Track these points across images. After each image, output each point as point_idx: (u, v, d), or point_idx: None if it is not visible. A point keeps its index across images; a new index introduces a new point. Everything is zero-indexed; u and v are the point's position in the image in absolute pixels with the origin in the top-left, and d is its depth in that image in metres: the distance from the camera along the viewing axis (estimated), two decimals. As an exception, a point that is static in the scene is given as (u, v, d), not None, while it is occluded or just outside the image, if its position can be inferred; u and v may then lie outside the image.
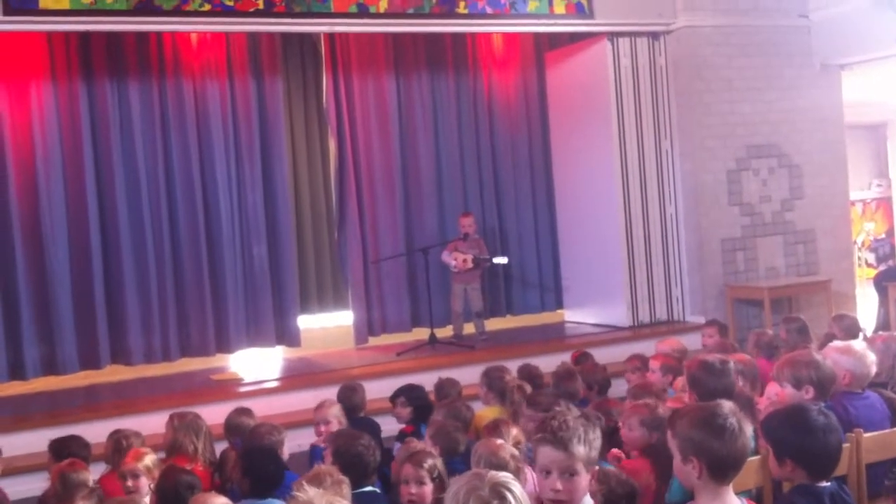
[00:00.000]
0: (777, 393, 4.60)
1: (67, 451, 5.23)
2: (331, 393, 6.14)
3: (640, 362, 6.20)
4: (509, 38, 10.13)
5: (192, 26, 8.02)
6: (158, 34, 8.57)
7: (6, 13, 7.09)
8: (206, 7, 7.68)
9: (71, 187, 8.53)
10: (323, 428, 5.35)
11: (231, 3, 7.77)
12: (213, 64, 9.02)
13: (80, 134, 8.53)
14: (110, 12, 7.40)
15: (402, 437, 5.32)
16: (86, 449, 5.34)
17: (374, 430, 5.74)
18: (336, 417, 5.43)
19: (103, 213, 8.64)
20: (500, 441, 3.98)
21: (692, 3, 9.29)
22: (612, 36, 9.25)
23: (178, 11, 7.60)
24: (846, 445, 3.99)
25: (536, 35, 9.83)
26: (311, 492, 3.03)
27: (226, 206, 9.02)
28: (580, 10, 9.03)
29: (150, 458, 4.66)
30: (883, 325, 9.17)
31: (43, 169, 8.37)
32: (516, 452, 3.87)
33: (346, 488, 3.86)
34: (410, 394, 5.90)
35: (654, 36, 9.40)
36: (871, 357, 4.66)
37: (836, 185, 9.94)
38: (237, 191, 9.12)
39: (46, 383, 8.36)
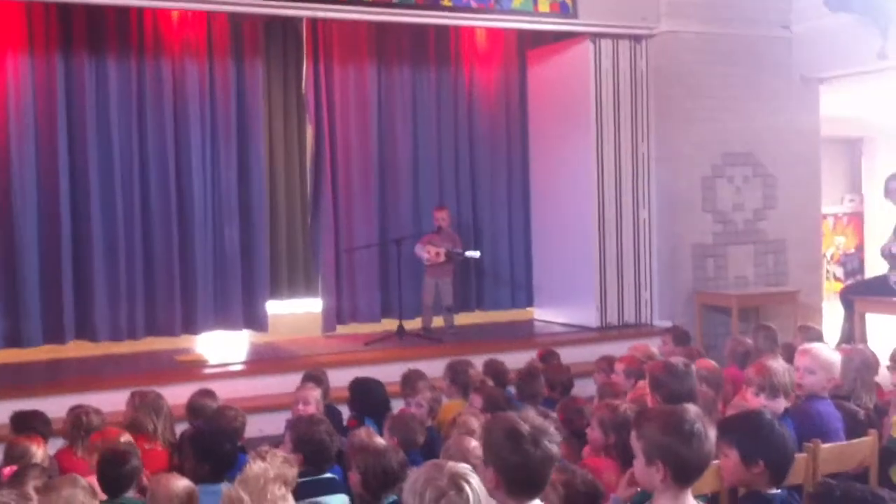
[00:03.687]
0: (744, 400, 4.66)
1: (28, 425, 5.19)
2: (295, 380, 6.12)
3: (608, 364, 6.23)
4: (493, 33, 10.12)
5: (174, 3, 7.95)
6: (139, 10, 8.48)
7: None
8: (190, -16, 7.63)
9: (43, 160, 8.43)
10: (301, 407, 5.33)
11: (214, -18, 7.71)
12: (193, 43, 8.95)
13: (55, 107, 8.43)
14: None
15: (344, 431, 5.29)
16: (47, 425, 5.30)
17: (337, 418, 5.74)
18: (316, 401, 5.42)
19: (75, 188, 8.55)
20: (472, 441, 3.96)
21: (676, 8, 9.33)
22: (595, 37, 9.26)
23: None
24: (803, 455, 4.04)
25: (520, 32, 9.83)
26: (261, 465, 3.04)
27: (199, 187, 8.96)
28: (564, 10, 9.04)
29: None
30: (847, 338, 9.22)
31: (16, 141, 8.27)
32: None
33: (296, 468, 3.87)
34: (355, 388, 5.90)
35: (637, 39, 9.42)
36: (836, 364, 4.74)
37: (810, 197, 10.02)
38: (211, 172, 9.06)
39: (9, 355, 8.25)
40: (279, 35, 9.62)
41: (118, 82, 8.67)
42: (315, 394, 5.50)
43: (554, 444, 2.92)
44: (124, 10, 8.42)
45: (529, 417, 2.99)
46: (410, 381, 5.87)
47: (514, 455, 2.85)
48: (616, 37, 9.33)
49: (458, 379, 5.99)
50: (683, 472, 2.98)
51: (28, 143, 8.34)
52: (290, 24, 9.45)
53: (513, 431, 2.89)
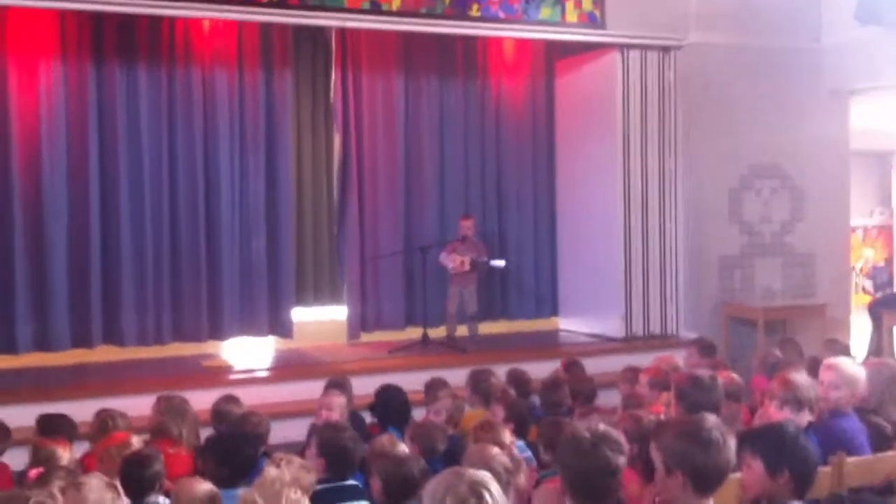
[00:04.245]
0: (767, 412, 4.62)
1: (54, 428, 5.24)
2: (319, 386, 6.14)
3: (633, 374, 6.21)
4: (520, 43, 10.13)
5: (205, 13, 8.01)
6: (171, 19, 8.56)
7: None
8: (221, -6, 7.70)
9: (74, 166, 8.52)
10: (325, 413, 5.36)
11: (245, -8, 7.78)
12: (223, 52, 9.02)
13: (86, 115, 8.53)
14: (124, -8, 7.41)
15: (368, 437, 5.31)
16: (72, 428, 5.35)
17: (361, 425, 5.76)
18: (340, 407, 5.45)
19: (105, 194, 8.64)
20: (494, 449, 3.96)
21: (705, 20, 9.30)
22: (623, 48, 9.25)
23: (191, -4, 7.61)
24: (827, 469, 4.00)
25: (547, 42, 9.83)
26: (276, 470, 3.06)
27: (227, 194, 9.03)
28: (592, 20, 9.04)
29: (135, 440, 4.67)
30: (875, 352, 9.16)
31: (47, 147, 8.37)
32: (508, 463, 3.85)
33: (313, 474, 3.90)
34: (378, 395, 5.90)
35: (665, 50, 9.40)
36: (861, 379, 4.69)
37: (838, 209, 9.94)
38: (240, 179, 9.12)
39: (36, 359, 8.34)
40: (308, 45, 9.68)
41: (149, 90, 8.76)
42: (339, 400, 5.53)
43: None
44: (156, 20, 8.50)
45: (591, 426, 3.02)
46: (432, 389, 5.88)
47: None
48: (644, 48, 9.32)
49: (480, 388, 5.99)
50: (703, 481, 2.97)
51: (59, 149, 8.44)
52: (320, 33, 9.51)
53: (576, 440, 2.96)
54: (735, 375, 5.63)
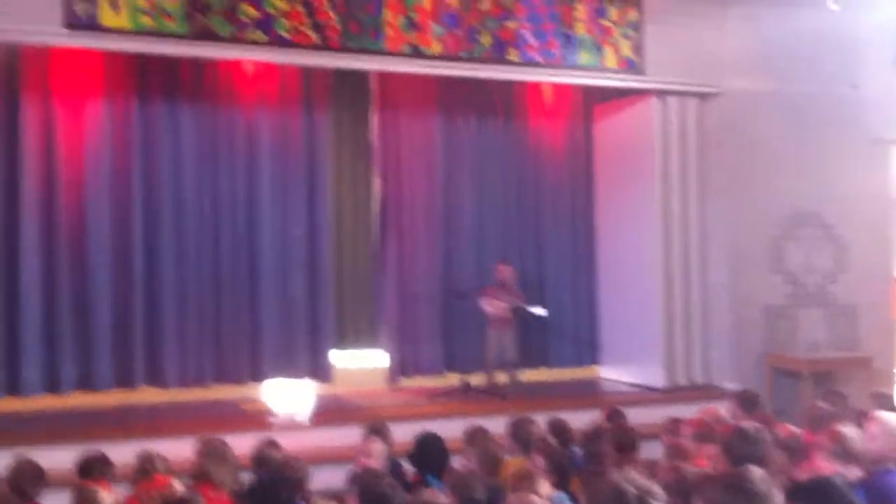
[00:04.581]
0: (815, 465, 4.54)
1: (93, 469, 5.25)
2: (358, 432, 6.11)
3: (676, 426, 6.11)
4: (558, 88, 10.16)
5: (248, 55, 8.13)
6: (214, 62, 8.69)
7: (67, 27, 7.24)
8: (263, 38, 7.82)
9: (118, 207, 8.64)
10: (364, 459, 5.33)
11: (287, 36, 7.90)
12: (265, 94, 9.15)
13: (130, 154, 8.66)
14: (170, 36, 7.54)
15: (408, 486, 5.27)
16: (110, 468, 5.36)
17: (400, 472, 5.71)
18: (379, 454, 5.42)
19: (148, 234, 8.74)
20: (533, 498, 3.90)
21: (744, 65, 9.28)
22: (661, 94, 9.26)
23: (234, 39, 7.73)
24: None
25: (586, 87, 9.85)
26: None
27: (268, 236, 9.10)
28: (631, 66, 9.06)
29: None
30: (921, 405, 8.98)
31: (92, 187, 8.51)
32: None
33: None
34: (417, 443, 5.85)
35: (703, 97, 9.39)
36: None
37: (881, 260, 9.80)
38: (281, 221, 9.19)
39: (80, 400, 8.41)
40: (348, 87, 9.75)
41: (192, 131, 8.89)
42: (378, 447, 5.50)
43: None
44: (200, 62, 8.63)
45: (633, 478, 2.97)
46: (471, 438, 5.82)
47: None
48: (682, 94, 9.32)
49: (520, 436, 5.91)
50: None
51: (103, 189, 8.56)
52: (360, 76, 9.61)
53: (619, 493, 2.87)
54: (793, 428, 5.52)
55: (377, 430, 6.04)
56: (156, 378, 8.72)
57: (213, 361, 8.90)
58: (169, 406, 8.41)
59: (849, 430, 4.57)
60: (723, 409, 6.56)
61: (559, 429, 6.29)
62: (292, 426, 7.72)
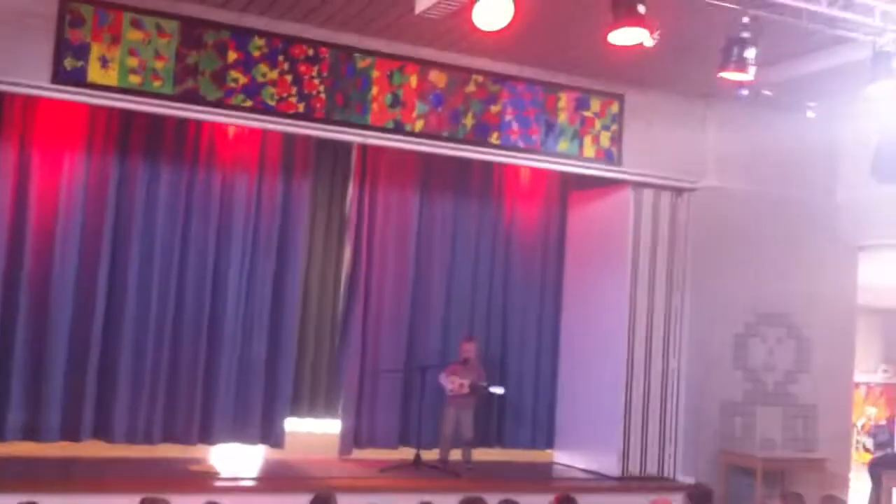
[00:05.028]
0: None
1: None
2: (305, 500, 6.01)
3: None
4: (536, 172, 10.23)
5: (232, 119, 8.19)
6: (198, 122, 8.72)
7: (54, 81, 7.29)
8: (248, 103, 7.91)
9: (85, 256, 8.54)
10: None
11: (272, 103, 7.99)
12: (245, 158, 9.16)
13: (103, 208, 8.60)
14: (155, 95, 7.62)
15: None
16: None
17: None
18: None
19: (112, 288, 8.64)
20: None
21: (721, 164, 9.47)
22: (637, 185, 9.39)
23: (220, 103, 7.82)
24: None
25: (563, 174, 9.97)
26: None
27: (233, 299, 9.02)
28: (609, 157, 9.22)
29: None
30: (874, 512, 8.99)
31: (61, 237, 8.41)
32: None
33: None
34: None
35: (679, 191, 9.53)
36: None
37: (843, 364, 9.91)
38: (247, 285, 9.12)
39: (24, 448, 8.21)
40: (329, 156, 9.80)
41: (168, 189, 8.85)
42: None
43: None
44: (183, 122, 8.66)
45: None
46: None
47: None
48: (658, 187, 9.46)
49: (471, 517, 5.85)
50: None
51: (73, 239, 8.48)
52: (341, 147, 9.67)
53: None
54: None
55: (322, 499, 5.95)
56: (104, 432, 8.54)
57: (163, 419, 8.73)
58: (115, 461, 8.23)
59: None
60: (676, 503, 6.53)
61: (511, 512, 6.20)
62: (238, 489, 7.58)
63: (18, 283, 8.29)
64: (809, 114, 8.35)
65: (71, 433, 8.42)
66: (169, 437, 8.78)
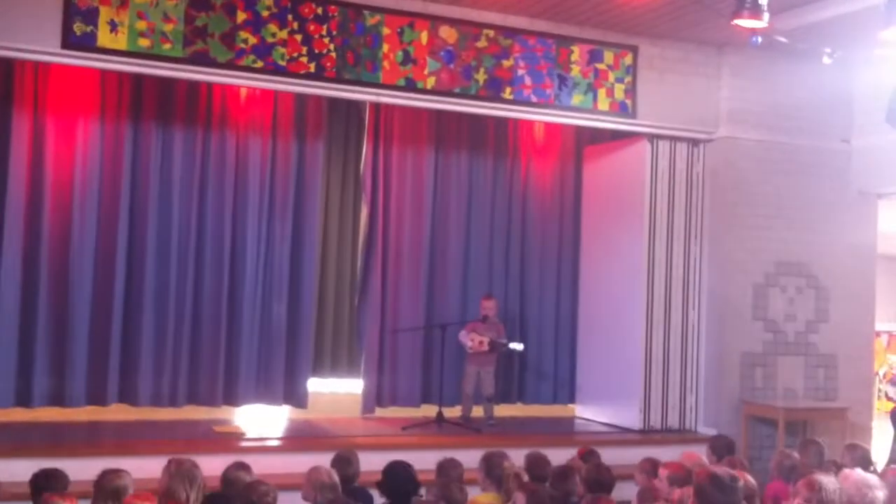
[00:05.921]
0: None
1: (47, 484, 5.17)
2: (329, 459, 6.07)
3: (652, 466, 6.07)
4: (551, 127, 10.20)
5: (243, 81, 8.15)
6: (209, 85, 8.70)
7: (64, 46, 7.28)
8: (259, 64, 7.86)
9: (103, 224, 8.61)
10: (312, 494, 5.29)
11: (283, 63, 7.94)
12: (258, 120, 9.16)
13: (119, 174, 8.64)
14: (166, 58, 7.59)
15: None
16: (65, 484, 5.27)
17: (368, 501, 5.68)
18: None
19: (131, 253, 8.71)
20: None
21: (736, 115, 9.37)
22: (653, 138, 9.32)
23: (231, 65, 7.78)
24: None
25: (578, 128, 9.91)
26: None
27: (252, 261, 9.07)
28: (623, 109, 9.13)
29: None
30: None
31: (79, 203, 8.47)
32: None
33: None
34: (386, 472, 5.80)
35: (695, 142, 9.46)
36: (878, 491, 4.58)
37: (863, 313, 9.84)
38: (266, 247, 9.17)
39: (51, 414, 8.33)
40: (342, 117, 9.82)
41: (183, 154, 8.88)
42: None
43: None
44: (194, 85, 8.65)
45: None
46: (443, 470, 5.79)
47: None
48: (674, 139, 9.39)
49: (493, 471, 5.87)
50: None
51: (90, 207, 8.54)
52: (354, 107, 9.66)
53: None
54: (750, 478, 5.49)
55: (343, 458, 6.01)
56: (129, 396, 8.64)
57: (187, 382, 8.83)
58: (140, 425, 8.33)
59: (828, 480, 4.56)
60: (704, 455, 6.54)
61: (537, 463, 6.21)
62: (262, 449, 7.65)
63: (39, 250, 8.36)
64: (826, 59, 8.21)
65: (96, 398, 8.53)
66: (193, 399, 8.89)
